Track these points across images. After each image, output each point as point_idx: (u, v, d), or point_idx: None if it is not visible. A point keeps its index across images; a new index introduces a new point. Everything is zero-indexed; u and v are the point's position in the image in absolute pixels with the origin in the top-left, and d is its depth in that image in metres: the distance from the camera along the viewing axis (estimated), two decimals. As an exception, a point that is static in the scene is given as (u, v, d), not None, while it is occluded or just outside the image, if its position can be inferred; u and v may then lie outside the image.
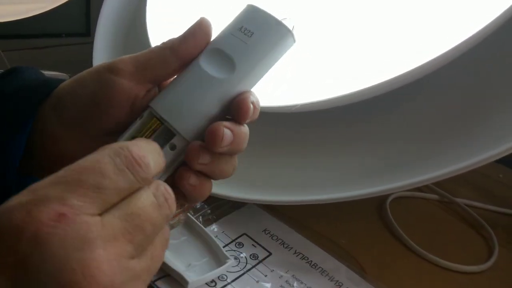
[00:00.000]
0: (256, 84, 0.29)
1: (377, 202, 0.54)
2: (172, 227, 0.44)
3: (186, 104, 0.27)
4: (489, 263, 0.47)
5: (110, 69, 0.29)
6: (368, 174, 0.46)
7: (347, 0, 0.45)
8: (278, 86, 0.44)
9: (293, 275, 0.41)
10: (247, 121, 0.28)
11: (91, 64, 0.61)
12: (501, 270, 0.47)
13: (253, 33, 0.28)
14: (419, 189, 0.56)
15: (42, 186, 0.20)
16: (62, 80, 0.32)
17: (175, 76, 0.29)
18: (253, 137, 0.52)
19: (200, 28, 0.29)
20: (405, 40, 0.41)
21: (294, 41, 0.29)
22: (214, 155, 0.28)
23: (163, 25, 0.55)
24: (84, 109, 0.30)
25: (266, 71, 0.29)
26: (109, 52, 0.64)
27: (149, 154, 0.23)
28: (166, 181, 0.28)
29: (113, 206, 0.21)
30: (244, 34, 0.28)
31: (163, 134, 0.28)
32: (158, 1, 0.57)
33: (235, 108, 0.28)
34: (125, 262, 0.20)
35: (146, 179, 0.22)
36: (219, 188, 0.47)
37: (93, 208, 0.20)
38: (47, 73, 0.68)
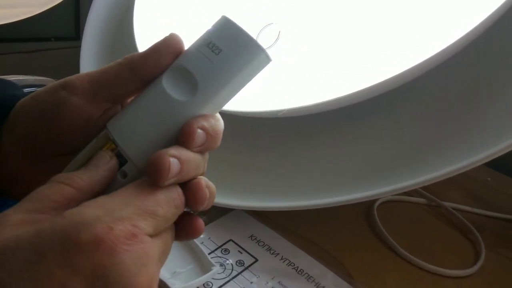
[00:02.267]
0: (222, 107, 0.26)
1: (365, 207, 0.54)
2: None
3: (140, 128, 0.25)
4: (476, 267, 0.47)
5: (64, 85, 0.27)
6: (355, 179, 0.46)
7: (333, 6, 0.45)
8: (264, 91, 0.44)
9: (279, 282, 0.41)
10: (196, 148, 0.25)
11: (79, 68, 0.61)
12: (488, 274, 0.47)
13: (221, 51, 0.25)
14: (406, 193, 0.56)
15: (117, 205, 0.22)
16: (26, 94, 0.31)
17: (136, 96, 0.26)
18: (240, 142, 0.52)
19: (165, 46, 0.26)
20: (392, 44, 0.41)
21: (269, 60, 0.25)
22: None
23: (150, 29, 0.54)
24: (35, 126, 0.28)
25: (234, 93, 0.26)
26: (96, 56, 0.64)
27: None
28: None
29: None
30: (212, 51, 0.25)
31: (117, 157, 0.25)
32: (145, 5, 0.57)
33: (181, 133, 0.24)
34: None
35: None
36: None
37: (150, 230, 0.22)
38: (35, 78, 0.67)
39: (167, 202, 0.24)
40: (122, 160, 0.25)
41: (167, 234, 0.24)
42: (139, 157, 0.25)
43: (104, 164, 0.25)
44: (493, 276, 0.47)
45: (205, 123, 0.25)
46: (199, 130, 0.24)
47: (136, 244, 0.21)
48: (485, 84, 0.46)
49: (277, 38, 0.43)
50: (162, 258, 0.24)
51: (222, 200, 0.46)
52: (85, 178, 0.24)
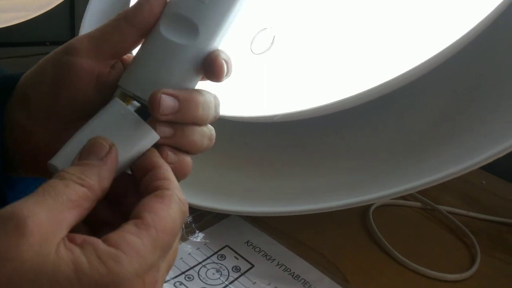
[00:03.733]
0: (225, 40, 0.28)
1: (361, 211, 0.54)
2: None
3: (158, 77, 0.26)
4: (471, 271, 0.47)
5: (66, 50, 0.28)
6: (351, 184, 0.46)
7: (328, 11, 0.45)
8: (259, 96, 0.44)
9: (275, 287, 0.41)
10: (223, 79, 0.28)
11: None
12: (484, 278, 0.47)
13: None
14: (402, 196, 0.56)
15: (148, 251, 0.22)
16: (24, 73, 0.31)
17: (139, 49, 0.28)
18: (234, 147, 0.52)
19: None
20: (387, 48, 0.42)
21: None
22: (176, 127, 0.27)
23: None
24: (48, 97, 0.29)
25: (231, 25, 0.28)
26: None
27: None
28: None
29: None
30: None
31: (138, 112, 0.27)
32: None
33: (208, 67, 0.27)
34: None
35: None
36: (202, 200, 0.47)
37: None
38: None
39: (180, 228, 0.24)
40: (144, 112, 0.27)
41: (171, 256, 0.25)
42: None
43: (107, 157, 0.24)
44: (489, 280, 0.47)
45: (223, 55, 0.27)
46: (224, 62, 0.27)
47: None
48: (480, 88, 0.46)
49: (272, 43, 0.43)
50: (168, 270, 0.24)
51: (217, 205, 0.46)
52: (94, 177, 0.23)
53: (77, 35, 0.67)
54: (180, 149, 0.28)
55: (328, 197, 0.44)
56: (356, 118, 0.51)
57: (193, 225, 0.47)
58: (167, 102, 0.26)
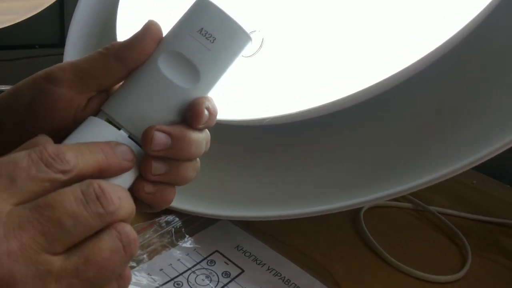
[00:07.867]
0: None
1: (351, 213, 0.53)
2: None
3: (149, 113, 0.26)
4: (462, 272, 0.47)
5: (47, 78, 0.27)
6: (342, 187, 0.45)
7: (316, 13, 0.45)
8: (248, 99, 0.44)
9: (265, 292, 0.41)
10: (201, 126, 0.27)
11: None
12: (475, 279, 0.47)
13: (215, 39, 0.26)
14: (393, 198, 0.56)
15: None
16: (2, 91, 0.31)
17: (130, 77, 0.27)
18: (224, 151, 0.51)
19: (148, 34, 0.27)
20: (375, 50, 0.41)
21: (251, 41, 0.28)
22: (171, 164, 0.27)
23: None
24: (21, 124, 0.28)
25: (224, 76, 0.28)
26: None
27: (68, 150, 0.22)
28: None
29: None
30: (206, 38, 0.26)
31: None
32: (128, 11, 0.56)
33: (188, 113, 0.26)
34: (33, 254, 0.19)
35: (65, 171, 0.22)
36: (191, 205, 0.47)
37: (4, 196, 0.20)
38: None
39: (29, 160, 0.21)
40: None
41: (42, 198, 0.21)
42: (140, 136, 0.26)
43: None
44: (480, 281, 0.47)
45: (209, 104, 0.27)
46: (206, 111, 0.26)
47: None
48: (470, 89, 0.46)
49: (261, 45, 0.43)
50: (48, 231, 0.20)
51: (207, 210, 0.46)
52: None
53: (67, 38, 0.67)
54: (169, 183, 0.27)
55: (319, 200, 0.43)
56: (346, 121, 0.51)
57: (182, 230, 0.46)
58: (160, 138, 0.26)
